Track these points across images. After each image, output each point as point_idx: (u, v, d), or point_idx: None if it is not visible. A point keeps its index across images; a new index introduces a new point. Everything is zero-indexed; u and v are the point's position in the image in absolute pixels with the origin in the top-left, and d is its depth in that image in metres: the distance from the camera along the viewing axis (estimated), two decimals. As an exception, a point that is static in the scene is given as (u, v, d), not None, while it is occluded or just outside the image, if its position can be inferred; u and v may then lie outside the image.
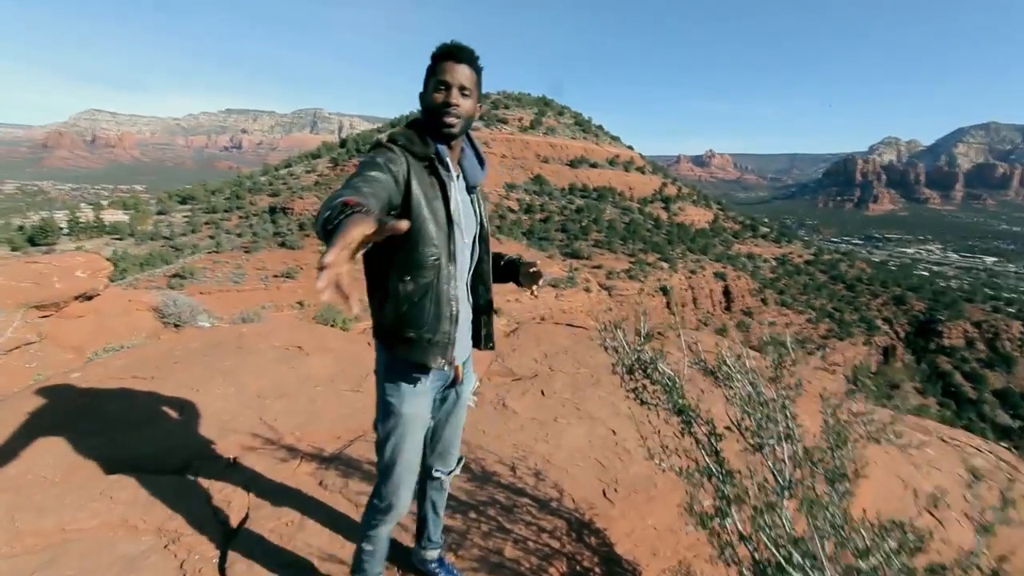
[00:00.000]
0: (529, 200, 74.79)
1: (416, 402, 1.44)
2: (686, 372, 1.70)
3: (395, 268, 1.35)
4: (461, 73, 1.36)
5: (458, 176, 1.49)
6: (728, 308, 63.97)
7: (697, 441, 1.48)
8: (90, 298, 9.04)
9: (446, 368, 1.45)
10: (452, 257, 1.41)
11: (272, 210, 62.47)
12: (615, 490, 2.22)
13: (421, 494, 1.75)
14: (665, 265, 62.98)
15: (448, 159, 1.42)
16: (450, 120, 1.38)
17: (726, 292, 64.60)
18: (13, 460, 2.27)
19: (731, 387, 1.60)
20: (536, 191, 77.98)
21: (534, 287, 1.64)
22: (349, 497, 2.18)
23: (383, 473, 1.49)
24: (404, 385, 1.43)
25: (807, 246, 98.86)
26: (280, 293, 40.17)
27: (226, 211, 64.39)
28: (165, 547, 1.89)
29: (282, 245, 50.04)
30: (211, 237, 54.26)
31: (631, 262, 61.57)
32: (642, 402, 1.58)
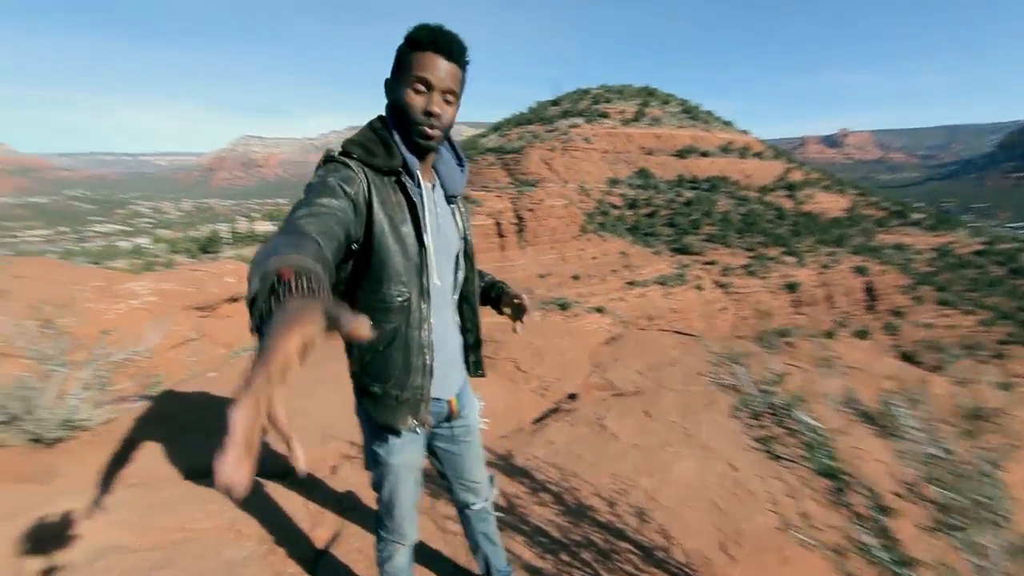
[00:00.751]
0: (633, 195, 72.26)
1: (404, 451, 1.27)
2: (833, 416, 1.32)
3: (355, 308, 1.05)
4: (448, 73, 1.09)
5: (433, 186, 1.24)
6: (871, 307, 55.97)
7: (856, 514, 1.12)
8: (236, 300, 10.40)
9: (418, 430, 1.25)
10: (425, 294, 1.17)
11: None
12: (737, 544, 1.85)
13: (468, 530, 1.60)
14: (791, 259, 56.96)
15: (418, 170, 1.16)
16: (430, 132, 1.12)
17: (868, 289, 56.60)
18: (153, 455, 2.53)
19: (902, 440, 1.20)
20: (641, 185, 75.10)
21: (517, 324, 1.43)
22: (435, 520, 2.09)
23: (384, 510, 1.38)
24: (388, 436, 1.25)
25: (976, 234, 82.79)
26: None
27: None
28: (264, 556, 1.95)
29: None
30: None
31: (749, 257, 56.68)
32: (774, 456, 1.25)
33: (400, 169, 1.12)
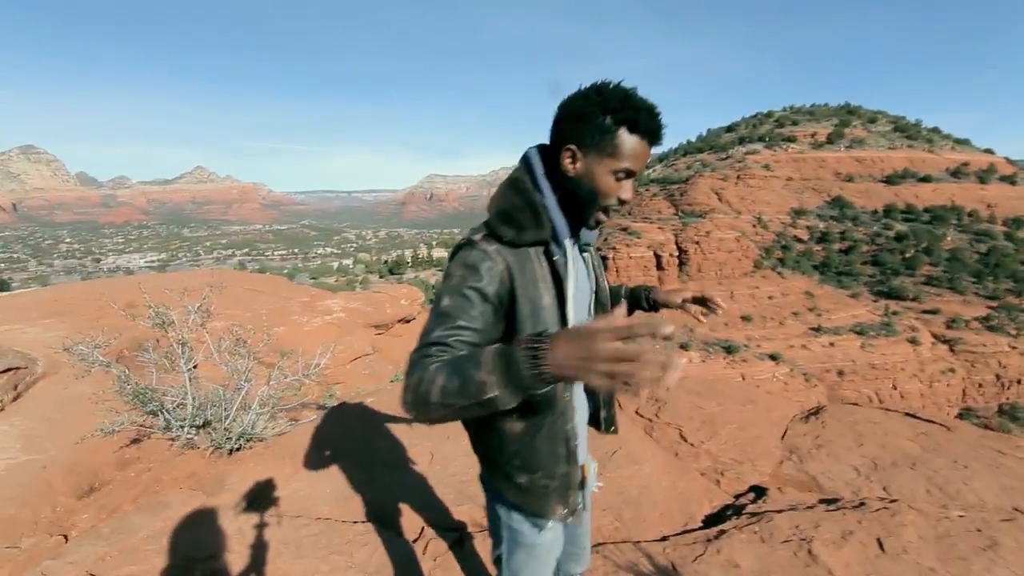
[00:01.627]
0: (824, 227, 62.77)
1: (546, 536, 1.13)
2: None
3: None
4: (647, 156, 0.99)
5: (574, 243, 1.10)
6: None
7: None
8: (408, 321, 11.38)
9: (568, 520, 1.11)
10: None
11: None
12: None
13: None
14: (1059, 313, 43.11)
15: (568, 238, 1.04)
16: (606, 219, 1.04)
17: None
18: (303, 482, 2.58)
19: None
20: (834, 216, 64.98)
21: (700, 310, 1.37)
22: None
23: None
24: (531, 520, 1.11)
25: None
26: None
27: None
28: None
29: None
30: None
31: (990, 307, 44.64)
32: None
33: (548, 239, 1.01)
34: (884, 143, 78.32)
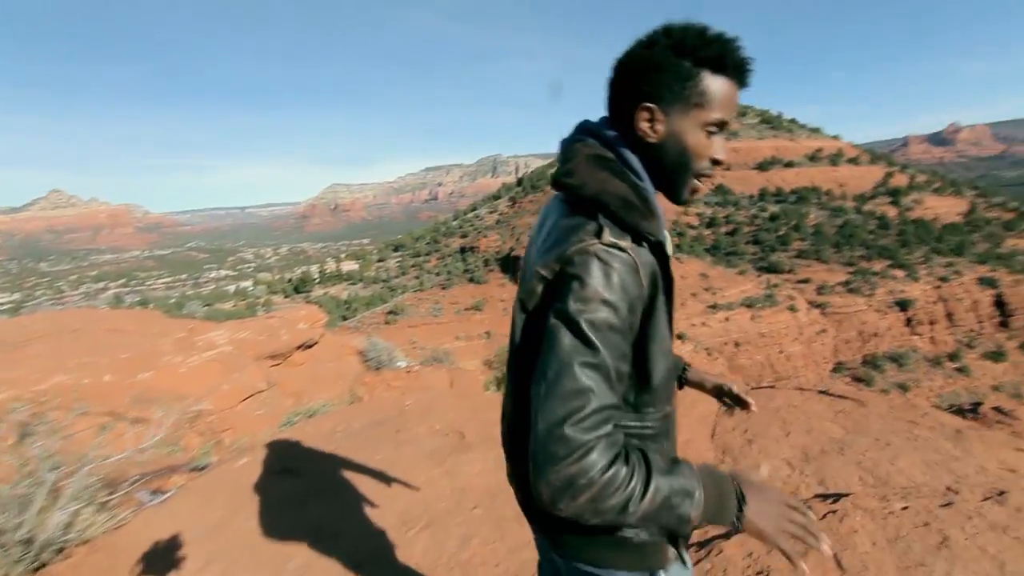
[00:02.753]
0: (711, 213, 68.54)
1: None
2: None
3: None
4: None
5: None
6: (1005, 324, 47.87)
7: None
8: (310, 347, 10.34)
9: (685, 556, 0.88)
10: (673, 397, 0.94)
11: (462, 250, 69.40)
12: None
13: None
14: (899, 273, 50.65)
15: (667, 238, 0.85)
16: (701, 189, 0.87)
17: (999, 302, 48.63)
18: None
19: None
20: (719, 202, 71.21)
21: (728, 403, 1.20)
22: None
23: None
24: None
25: None
26: (470, 324, 43.81)
27: (427, 254, 73.96)
28: None
29: (471, 280, 54.91)
30: (416, 278, 62.65)
31: (850, 272, 51.22)
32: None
33: (661, 238, 0.81)
34: (754, 134, 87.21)
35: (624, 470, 0.65)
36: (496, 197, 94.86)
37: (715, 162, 0.82)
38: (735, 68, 0.77)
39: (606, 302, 0.70)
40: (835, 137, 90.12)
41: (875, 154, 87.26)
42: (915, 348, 45.11)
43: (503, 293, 50.56)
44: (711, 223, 66.63)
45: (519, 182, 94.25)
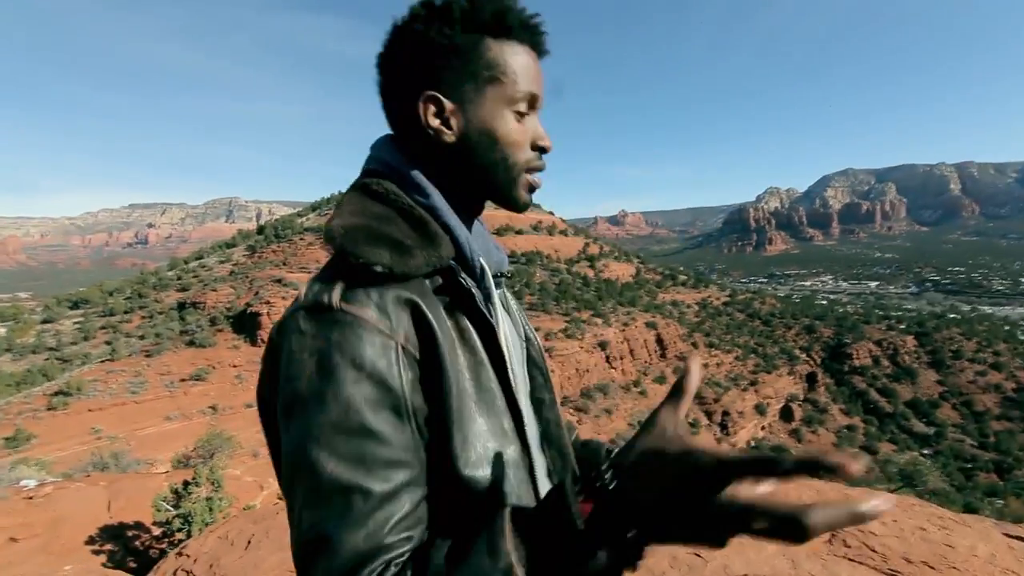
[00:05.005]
0: (459, 270, 75.05)
1: None
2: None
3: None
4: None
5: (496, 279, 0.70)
6: (663, 355, 65.90)
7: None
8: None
9: None
10: (530, 476, 0.62)
11: (181, 306, 57.39)
12: None
13: None
14: (599, 320, 64.43)
15: (482, 261, 0.64)
16: (538, 181, 0.67)
17: (659, 340, 66.80)
18: None
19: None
20: (465, 261, 78.49)
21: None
22: None
23: None
24: None
25: (722, 289, 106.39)
26: (188, 399, 35.81)
27: (126, 312, 58.34)
28: None
29: (191, 344, 45.53)
30: (107, 343, 48.30)
31: (566, 321, 62.37)
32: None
33: (453, 264, 0.60)
34: (490, 206, 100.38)
35: None
36: (231, 244, 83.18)
37: (541, 149, 0.66)
38: (523, 28, 0.62)
39: (340, 395, 0.49)
40: (551, 212, 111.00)
41: (576, 228, 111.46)
42: (613, 379, 57.38)
43: (235, 357, 43.59)
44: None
45: (260, 229, 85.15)
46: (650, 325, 67.71)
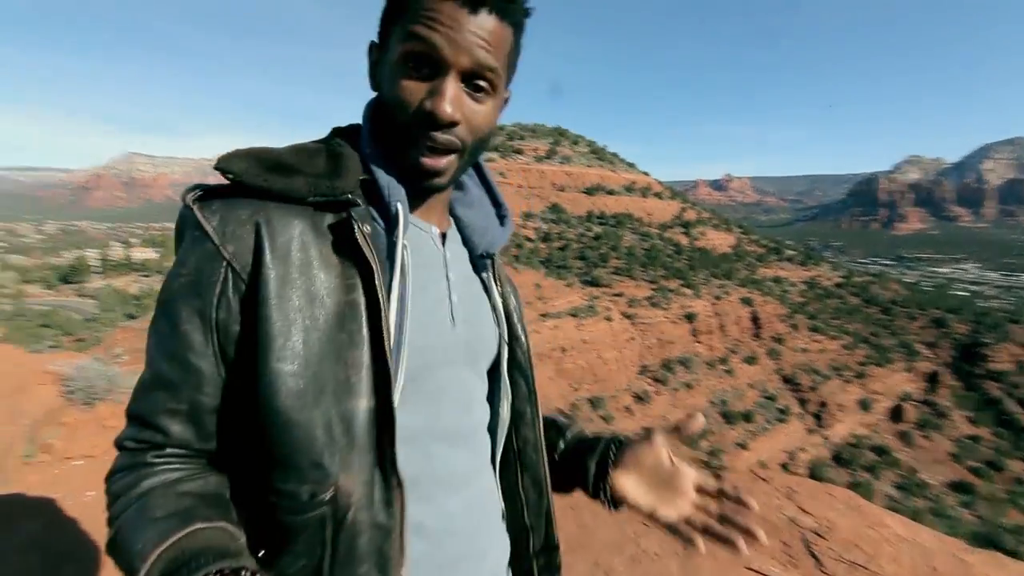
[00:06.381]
0: (547, 228, 74.50)
1: None
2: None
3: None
4: (480, 33, 0.56)
5: (444, 237, 0.68)
6: (757, 335, 61.54)
7: None
8: None
9: None
10: (387, 467, 0.55)
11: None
12: None
13: None
14: (688, 291, 61.28)
15: (400, 203, 0.59)
16: (433, 159, 0.59)
17: (754, 318, 62.30)
18: None
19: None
20: (553, 219, 77.75)
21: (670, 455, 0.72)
22: None
23: None
24: None
25: (835, 268, 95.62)
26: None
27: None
28: None
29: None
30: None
31: (653, 289, 60.09)
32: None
33: (350, 197, 0.57)
34: (584, 162, 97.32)
35: (122, 511, 0.51)
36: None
37: (425, 116, 0.56)
38: None
39: (173, 283, 0.54)
40: (646, 173, 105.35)
41: (673, 191, 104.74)
42: (697, 353, 54.97)
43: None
44: (546, 238, 72.34)
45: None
46: (745, 301, 63.15)
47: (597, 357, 49.32)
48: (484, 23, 0.55)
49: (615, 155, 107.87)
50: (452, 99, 0.56)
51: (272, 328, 0.51)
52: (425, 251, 0.64)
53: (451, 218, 0.72)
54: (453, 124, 0.57)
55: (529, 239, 71.07)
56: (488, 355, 0.70)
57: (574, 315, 51.91)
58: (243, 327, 0.53)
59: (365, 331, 0.55)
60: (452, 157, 0.59)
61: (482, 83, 0.58)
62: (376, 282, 0.54)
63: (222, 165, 0.54)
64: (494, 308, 0.72)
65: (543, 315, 51.72)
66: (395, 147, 0.60)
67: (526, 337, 0.75)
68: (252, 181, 0.54)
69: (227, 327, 0.53)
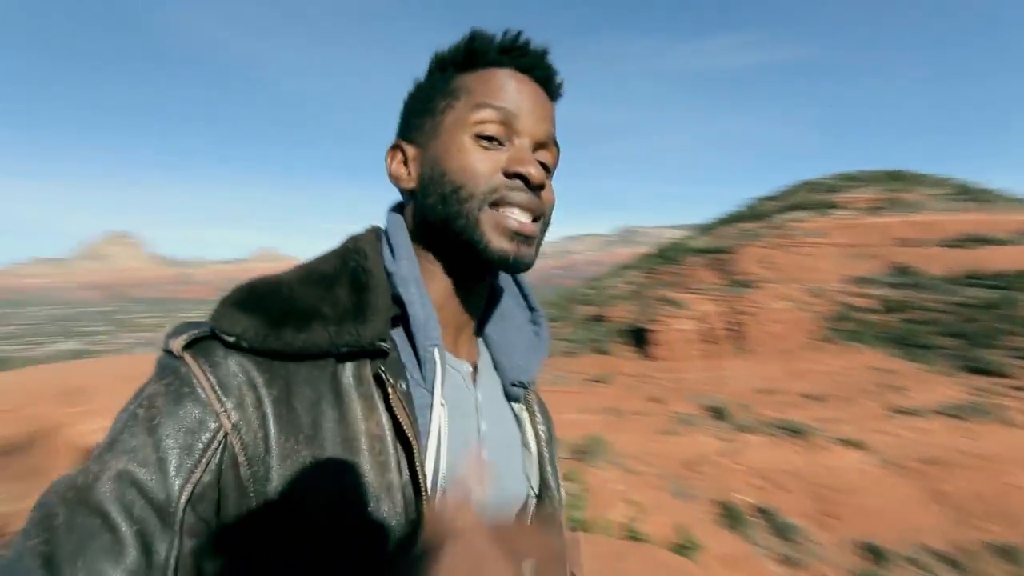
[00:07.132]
0: (892, 295, 59.06)
1: None
2: None
3: None
4: (542, 107, 0.56)
5: (475, 370, 0.61)
6: None
7: None
8: None
9: None
10: None
11: (594, 319, 68.75)
12: None
13: None
14: None
15: (437, 344, 0.53)
16: (525, 228, 0.54)
17: None
18: None
19: None
20: (901, 283, 61.34)
21: None
22: None
23: None
24: None
25: None
26: (593, 397, 42.07)
27: (555, 319, 74.79)
28: None
29: (597, 351, 53.46)
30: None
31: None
32: None
33: (381, 346, 0.50)
34: (943, 207, 75.35)
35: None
36: (630, 267, 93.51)
37: (518, 177, 0.52)
38: (500, 51, 0.54)
39: (125, 419, 0.45)
40: (1063, 211, 73.42)
41: None
42: None
43: (628, 366, 48.30)
44: (892, 308, 57.22)
45: (654, 253, 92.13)
46: None
47: (1000, 481, 33.98)
48: (546, 101, 0.56)
49: (994, 192, 79.80)
50: (531, 159, 0.53)
51: (284, 518, 0.44)
52: (457, 397, 0.55)
53: (475, 349, 0.63)
54: (541, 187, 0.53)
55: (865, 309, 57.46)
56: (515, 511, 0.60)
57: (951, 415, 37.95)
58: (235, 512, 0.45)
59: (402, 514, 0.48)
60: (539, 225, 0.55)
61: (548, 156, 0.56)
62: (416, 464, 0.48)
63: (218, 327, 0.46)
64: (526, 447, 0.63)
65: (898, 410, 39.46)
66: (454, 225, 0.53)
67: (558, 486, 0.66)
68: (260, 346, 0.46)
69: (193, 520, 0.44)
